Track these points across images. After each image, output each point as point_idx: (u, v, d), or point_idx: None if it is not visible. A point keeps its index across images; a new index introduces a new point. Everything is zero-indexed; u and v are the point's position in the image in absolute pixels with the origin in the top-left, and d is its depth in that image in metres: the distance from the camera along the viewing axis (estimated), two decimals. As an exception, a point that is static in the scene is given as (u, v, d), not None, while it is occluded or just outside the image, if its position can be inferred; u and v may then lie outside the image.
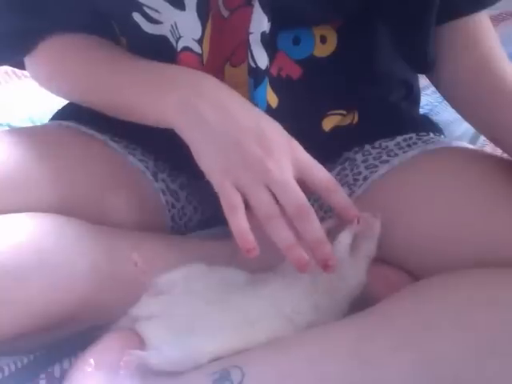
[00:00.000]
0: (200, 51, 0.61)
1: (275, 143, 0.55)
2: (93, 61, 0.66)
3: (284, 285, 0.57)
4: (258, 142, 0.55)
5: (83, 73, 0.66)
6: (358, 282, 0.58)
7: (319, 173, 0.57)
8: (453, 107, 0.66)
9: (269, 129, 0.56)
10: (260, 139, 0.55)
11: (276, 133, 0.57)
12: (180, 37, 0.61)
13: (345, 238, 0.57)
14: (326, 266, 0.54)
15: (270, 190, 0.54)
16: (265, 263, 0.60)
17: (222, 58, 0.64)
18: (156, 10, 0.60)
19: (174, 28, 0.60)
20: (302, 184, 0.55)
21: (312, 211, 0.54)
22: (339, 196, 0.58)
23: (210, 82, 0.59)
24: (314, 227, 0.54)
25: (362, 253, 0.58)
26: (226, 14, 0.61)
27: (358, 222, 0.57)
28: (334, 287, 0.57)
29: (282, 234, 0.53)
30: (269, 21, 0.59)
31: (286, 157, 0.55)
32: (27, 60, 0.71)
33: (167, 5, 0.59)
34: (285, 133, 0.57)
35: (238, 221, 0.53)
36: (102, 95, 0.64)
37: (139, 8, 0.60)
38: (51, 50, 0.68)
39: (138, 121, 0.62)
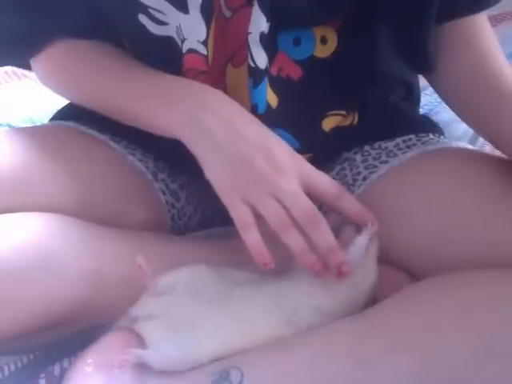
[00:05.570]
0: (205, 52, 0.61)
1: (281, 158, 0.56)
2: (100, 68, 0.66)
3: (284, 286, 0.57)
4: (265, 157, 0.56)
5: (90, 80, 0.67)
6: (369, 283, 0.57)
7: (326, 183, 0.58)
8: (450, 107, 0.67)
9: (275, 144, 0.57)
10: (267, 154, 0.56)
11: (281, 148, 0.57)
12: (184, 39, 0.61)
13: (361, 240, 0.57)
14: (339, 272, 0.54)
15: (280, 202, 0.55)
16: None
17: (225, 58, 0.64)
18: (161, 12, 0.60)
19: (179, 30, 0.60)
20: (310, 196, 0.56)
21: (322, 218, 0.55)
22: (350, 202, 0.58)
23: (216, 97, 0.60)
24: (326, 234, 0.55)
25: (372, 254, 0.58)
26: (228, 14, 0.61)
27: (372, 224, 0.57)
28: (344, 291, 0.56)
29: (295, 241, 0.55)
30: (268, 21, 0.59)
31: (292, 171, 0.56)
32: (33, 62, 0.71)
33: (171, 7, 0.59)
34: (289, 148, 0.58)
35: (253, 237, 0.55)
36: (109, 103, 0.65)
37: (144, 10, 0.60)
38: (58, 54, 0.68)
39: (144, 129, 0.63)
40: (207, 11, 0.59)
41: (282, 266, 0.59)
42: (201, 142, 0.57)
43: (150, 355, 0.53)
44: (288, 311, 0.55)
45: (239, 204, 0.55)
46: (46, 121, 0.79)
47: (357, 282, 0.57)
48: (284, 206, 0.55)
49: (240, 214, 0.55)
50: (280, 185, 0.55)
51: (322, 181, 0.58)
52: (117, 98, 0.64)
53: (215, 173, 0.57)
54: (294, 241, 0.55)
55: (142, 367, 0.53)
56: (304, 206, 0.55)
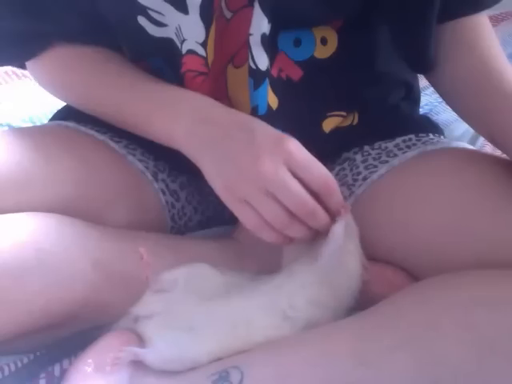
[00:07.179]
0: (204, 54, 0.61)
1: (264, 146, 0.55)
2: (97, 73, 0.66)
3: (281, 282, 0.57)
4: (248, 150, 0.55)
5: (88, 85, 0.67)
6: (358, 272, 0.58)
7: (314, 170, 0.56)
8: (450, 106, 0.67)
9: (258, 133, 0.56)
10: (249, 146, 0.55)
11: (265, 135, 0.56)
12: (184, 40, 0.61)
13: (338, 227, 0.57)
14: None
15: (273, 195, 0.54)
16: (266, 266, 0.62)
17: (225, 59, 0.64)
18: (160, 13, 0.60)
19: (179, 31, 0.60)
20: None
21: (316, 204, 0.55)
22: (334, 190, 0.57)
23: (215, 107, 0.60)
24: (323, 218, 0.56)
25: (352, 245, 0.59)
26: (228, 15, 0.61)
27: (344, 208, 0.57)
28: (333, 279, 0.57)
29: (297, 234, 0.56)
30: (269, 22, 0.59)
31: (277, 157, 0.54)
32: (30, 64, 0.71)
33: (171, 8, 0.59)
34: (276, 133, 0.57)
35: (271, 236, 0.56)
36: (108, 109, 0.65)
37: (143, 11, 0.60)
38: (55, 57, 0.68)
39: (143, 136, 0.63)
40: (207, 12, 0.59)
41: (277, 264, 0.60)
42: (199, 152, 0.58)
43: (148, 354, 0.53)
44: (284, 305, 0.55)
45: (237, 204, 0.55)
46: (45, 121, 0.79)
47: (344, 269, 0.58)
48: (278, 200, 0.54)
49: (244, 215, 0.56)
50: (266, 176, 0.54)
51: (312, 166, 0.56)
52: (115, 104, 0.64)
53: (211, 177, 0.57)
54: (296, 234, 0.55)
55: (142, 367, 0.53)
56: (295, 189, 0.54)
